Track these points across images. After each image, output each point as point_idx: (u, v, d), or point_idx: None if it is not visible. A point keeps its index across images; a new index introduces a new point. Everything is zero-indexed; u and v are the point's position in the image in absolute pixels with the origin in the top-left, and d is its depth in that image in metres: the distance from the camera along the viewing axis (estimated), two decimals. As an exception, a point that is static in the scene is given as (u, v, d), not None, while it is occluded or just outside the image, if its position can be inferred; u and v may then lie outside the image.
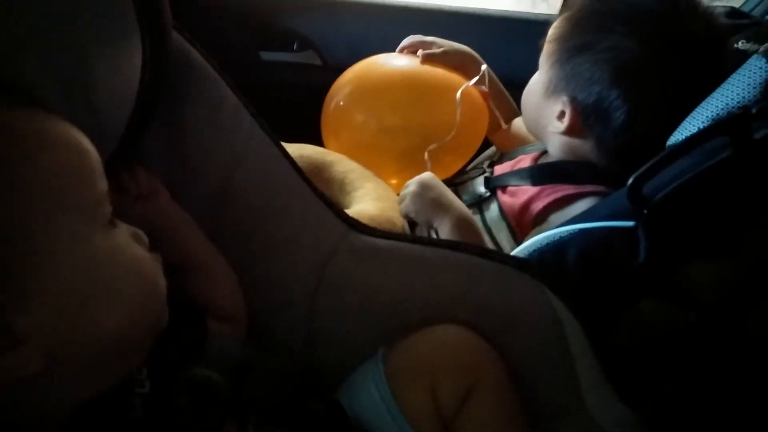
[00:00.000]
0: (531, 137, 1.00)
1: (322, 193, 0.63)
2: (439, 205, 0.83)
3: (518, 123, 1.05)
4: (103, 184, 0.43)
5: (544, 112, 0.87)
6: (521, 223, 0.84)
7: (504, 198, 0.88)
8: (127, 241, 0.44)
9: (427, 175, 0.87)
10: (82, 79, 0.47)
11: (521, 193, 0.86)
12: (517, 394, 0.56)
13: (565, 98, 0.82)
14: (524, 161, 0.93)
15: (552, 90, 0.85)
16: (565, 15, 0.85)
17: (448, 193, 0.85)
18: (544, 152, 0.93)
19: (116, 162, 0.53)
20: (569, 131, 0.83)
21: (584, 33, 0.81)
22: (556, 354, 0.59)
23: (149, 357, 0.44)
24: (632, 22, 0.78)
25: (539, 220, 0.81)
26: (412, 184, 0.86)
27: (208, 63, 0.59)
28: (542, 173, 0.86)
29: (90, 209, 0.41)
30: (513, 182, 0.88)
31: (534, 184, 0.85)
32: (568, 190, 0.81)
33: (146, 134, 0.55)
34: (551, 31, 0.86)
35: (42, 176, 0.38)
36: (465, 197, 0.92)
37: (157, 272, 0.46)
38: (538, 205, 0.82)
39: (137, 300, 0.43)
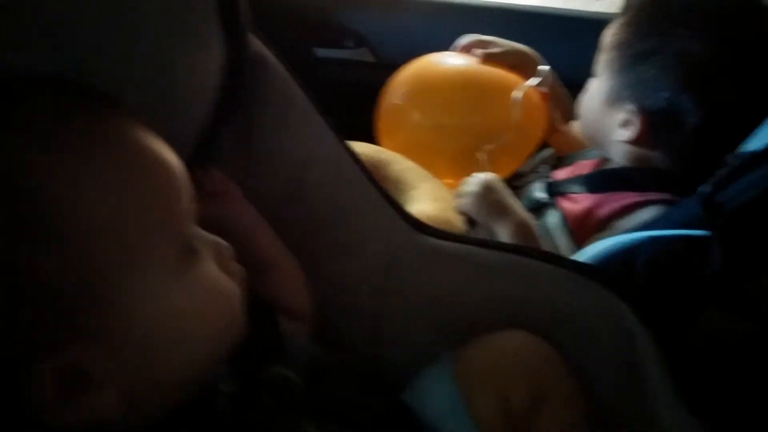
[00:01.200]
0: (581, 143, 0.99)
1: (388, 194, 0.64)
2: (501, 209, 0.83)
3: (577, 126, 1.03)
4: (187, 201, 0.41)
5: (606, 121, 0.85)
6: (582, 230, 0.82)
7: (565, 204, 0.86)
8: (207, 272, 0.42)
9: (490, 176, 0.86)
10: (165, 81, 0.48)
11: (583, 198, 0.85)
12: (585, 404, 0.55)
13: (630, 106, 0.81)
14: (584, 167, 0.92)
15: (615, 98, 0.83)
16: (622, 21, 0.83)
17: (510, 197, 0.84)
18: (605, 158, 0.92)
19: (191, 161, 0.54)
20: (636, 139, 0.82)
21: (647, 39, 0.80)
22: (625, 364, 0.58)
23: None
24: (697, 24, 0.77)
25: (602, 227, 0.80)
26: (473, 184, 0.85)
27: (281, 64, 0.59)
28: (605, 180, 0.85)
29: (171, 242, 0.39)
30: (574, 189, 0.87)
31: (596, 191, 0.84)
32: (633, 197, 0.80)
33: (221, 134, 0.56)
34: (609, 39, 0.85)
35: (125, 213, 0.37)
36: (524, 202, 0.91)
37: (237, 296, 0.45)
38: (601, 212, 0.81)
39: (217, 331, 0.42)
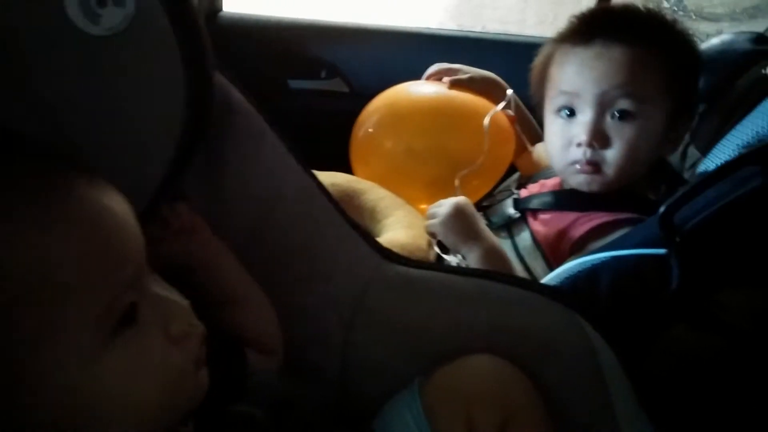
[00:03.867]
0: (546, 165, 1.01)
1: (357, 224, 0.65)
2: (470, 233, 0.84)
3: (540, 147, 1.06)
4: (134, 266, 0.39)
5: (661, 144, 0.84)
6: (557, 252, 0.84)
7: (536, 226, 0.88)
8: (144, 346, 0.39)
9: (462, 200, 0.87)
10: (127, 123, 0.49)
11: (555, 220, 0.86)
12: (552, 425, 0.56)
13: (685, 122, 0.85)
14: (548, 186, 0.94)
15: (674, 119, 0.83)
16: (640, 49, 0.81)
17: (480, 222, 0.86)
18: None
19: (158, 197, 0.55)
20: None
21: (674, 55, 0.82)
22: (590, 383, 0.59)
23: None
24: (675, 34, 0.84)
25: (577, 248, 0.82)
26: (445, 206, 0.86)
27: (248, 100, 0.61)
28: (574, 199, 0.86)
29: (99, 315, 0.36)
30: (543, 205, 0.89)
31: (566, 209, 0.86)
32: (604, 217, 0.81)
33: (188, 171, 0.57)
34: (639, 68, 0.81)
35: (45, 285, 0.34)
36: (494, 219, 0.92)
37: (184, 370, 0.42)
38: (575, 233, 0.82)
39: (156, 406, 0.39)
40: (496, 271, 0.76)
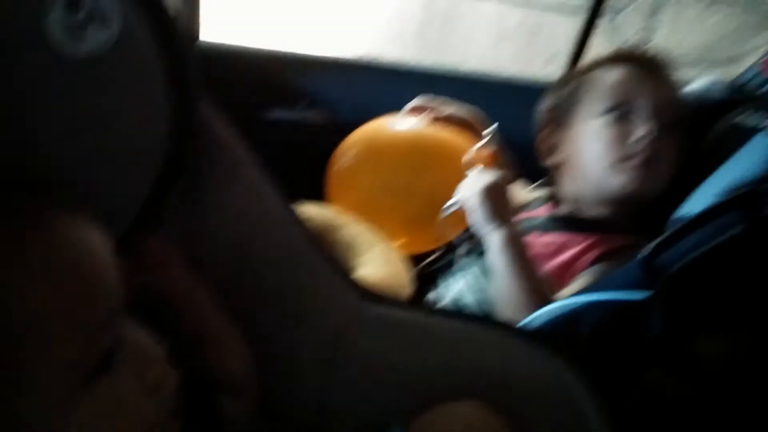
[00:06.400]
0: (525, 201, 1.01)
1: (336, 262, 0.63)
2: (503, 212, 0.83)
3: (516, 187, 1.06)
4: (106, 310, 0.37)
5: None
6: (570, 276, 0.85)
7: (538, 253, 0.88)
8: (117, 393, 0.37)
9: (501, 175, 0.86)
10: (104, 149, 0.47)
11: (565, 244, 0.88)
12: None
13: None
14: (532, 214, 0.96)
15: None
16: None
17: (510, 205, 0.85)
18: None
19: (133, 229, 0.53)
20: None
21: None
22: (572, 429, 0.58)
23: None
24: None
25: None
26: (489, 176, 0.85)
27: (229, 130, 0.59)
28: (586, 223, 0.90)
29: (73, 363, 0.35)
30: (543, 227, 0.92)
31: (581, 231, 0.88)
32: (623, 240, 0.84)
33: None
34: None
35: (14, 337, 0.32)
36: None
37: (156, 417, 0.40)
38: (594, 255, 0.84)
39: None
40: (475, 314, 0.75)
